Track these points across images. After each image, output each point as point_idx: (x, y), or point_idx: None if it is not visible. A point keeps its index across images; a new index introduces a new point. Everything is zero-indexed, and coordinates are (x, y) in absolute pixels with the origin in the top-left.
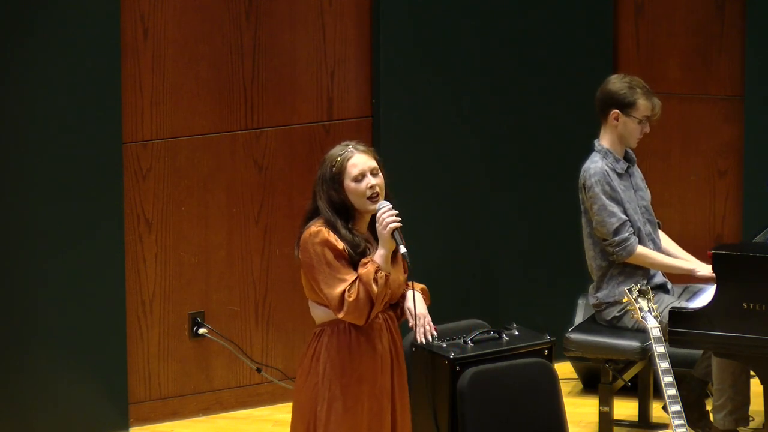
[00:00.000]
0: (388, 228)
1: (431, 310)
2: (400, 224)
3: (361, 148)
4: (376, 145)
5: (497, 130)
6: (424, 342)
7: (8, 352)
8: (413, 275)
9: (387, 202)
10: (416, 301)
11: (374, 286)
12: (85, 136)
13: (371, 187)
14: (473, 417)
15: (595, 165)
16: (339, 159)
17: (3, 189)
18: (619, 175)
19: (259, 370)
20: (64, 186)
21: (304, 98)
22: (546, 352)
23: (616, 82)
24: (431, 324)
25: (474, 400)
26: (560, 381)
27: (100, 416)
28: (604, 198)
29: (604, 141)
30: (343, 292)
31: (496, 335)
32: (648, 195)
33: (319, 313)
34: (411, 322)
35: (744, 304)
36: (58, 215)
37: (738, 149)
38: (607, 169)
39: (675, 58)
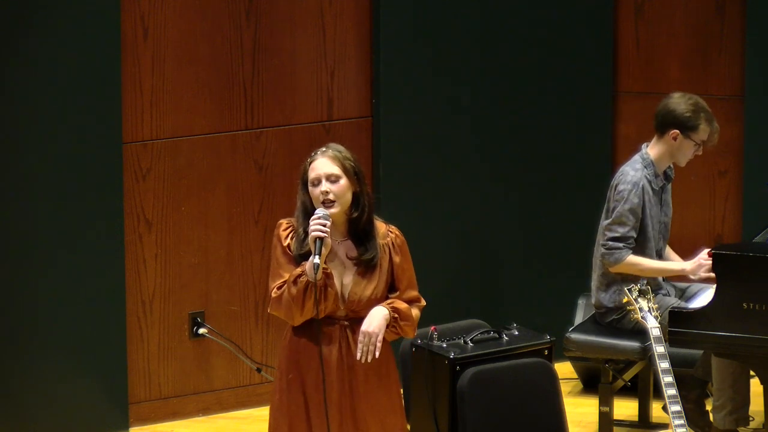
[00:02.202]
0: (309, 236)
1: (428, 317)
2: (322, 234)
3: (330, 153)
4: (375, 145)
5: (497, 129)
6: (362, 361)
7: (8, 352)
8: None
9: (322, 211)
10: (369, 318)
11: (292, 288)
12: (85, 136)
13: (324, 192)
14: (473, 417)
15: (635, 174)
16: (307, 161)
17: (3, 189)
18: (653, 190)
19: (259, 370)
20: (64, 186)
21: (304, 98)
22: (546, 352)
23: (681, 104)
24: (376, 345)
25: (474, 400)
26: (560, 381)
27: (100, 416)
28: (626, 208)
29: (652, 151)
30: (272, 288)
31: (496, 335)
32: (671, 212)
33: None
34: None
35: (744, 304)
36: (58, 215)
37: (738, 149)
38: (645, 182)
39: (675, 58)
